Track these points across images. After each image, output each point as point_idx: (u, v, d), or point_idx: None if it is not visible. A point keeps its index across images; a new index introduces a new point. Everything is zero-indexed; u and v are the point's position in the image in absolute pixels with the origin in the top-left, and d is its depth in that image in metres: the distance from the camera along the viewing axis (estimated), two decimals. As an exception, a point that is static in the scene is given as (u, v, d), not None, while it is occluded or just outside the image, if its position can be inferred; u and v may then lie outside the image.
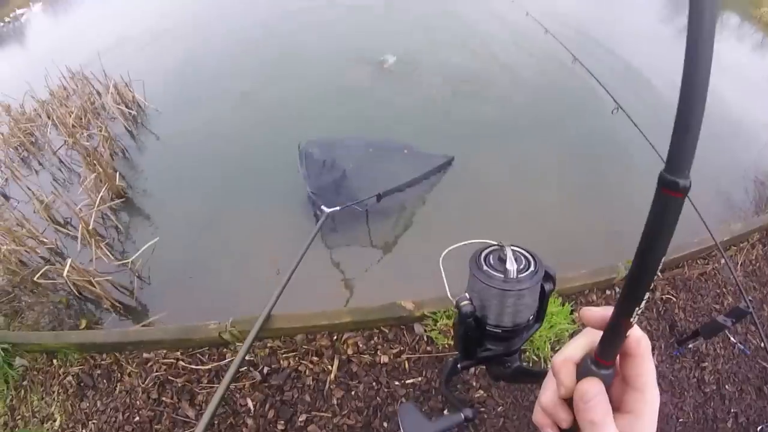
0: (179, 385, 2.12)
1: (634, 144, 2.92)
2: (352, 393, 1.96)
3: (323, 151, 3.50)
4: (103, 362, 2.35)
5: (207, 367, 2.11)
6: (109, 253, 3.12)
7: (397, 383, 1.97)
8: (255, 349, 2.10)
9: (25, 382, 2.47)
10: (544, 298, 0.60)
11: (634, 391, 0.41)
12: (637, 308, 0.35)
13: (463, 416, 0.64)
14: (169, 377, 2.15)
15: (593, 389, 0.39)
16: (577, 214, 3.04)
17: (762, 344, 2.18)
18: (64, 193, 4.07)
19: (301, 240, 2.96)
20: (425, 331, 2.06)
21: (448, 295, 0.69)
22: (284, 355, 2.06)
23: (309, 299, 2.65)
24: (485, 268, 0.58)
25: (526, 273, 0.57)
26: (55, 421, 2.30)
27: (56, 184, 4.45)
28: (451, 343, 2.02)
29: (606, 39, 4.87)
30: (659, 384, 1.99)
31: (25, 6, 11.11)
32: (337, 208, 2.72)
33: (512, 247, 0.59)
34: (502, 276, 0.57)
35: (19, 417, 2.39)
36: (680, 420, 2.09)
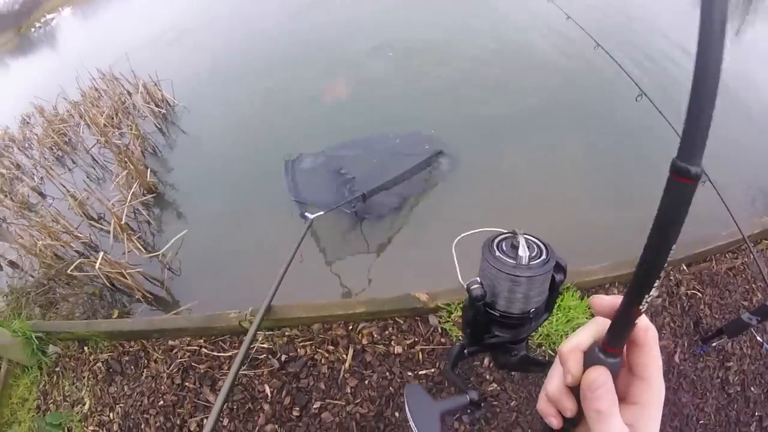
0: (201, 371, 2.24)
1: (659, 132, 2.87)
2: (366, 382, 2.04)
3: (314, 161, 3.67)
4: (131, 349, 2.50)
5: (228, 354, 2.24)
6: (140, 246, 3.30)
7: (410, 374, 2.02)
8: (274, 337, 2.21)
9: (57, 368, 2.65)
10: (554, 288, 0.63)
11: (640, 381, 0.41)
12: (647, 296, 0.36)
13: (468, 398, 0.64)
14: (193, 363, 2.28)
15: (601, 378, 0.39)
16: (599, 205, 3.02)
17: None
18: (97, 189, 4.29)
19: (326, 235, 3.12)
20: (439, 322, 2.11)
21: (459, 279, 0.69)
22: (301, 344, 2.16)
23: (326, 290, 2.76)
24: (497, 254, 0.61)
25: (538, 261, 0.60)
26: (84, 404, 2.46)
27: (89, 181, 4.69)
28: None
29: (630, 24, 4.76)
30: (680, 384, 1.99)
31: (55, 11, 11.60)
32: (321, 212, 2.76)
33: (525, 236, 0.61)
34: (514, 262, 0.59)
35: (51, 401, 2.57)
36: (701, 422, 2.05)
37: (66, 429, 2.42)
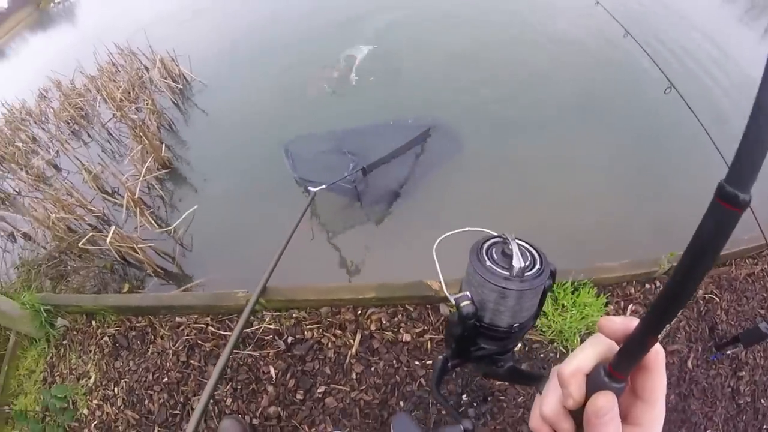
0: (207, 349, 2.27)
1: (687, 127, 2.81)
2: (372, 369, 2.05)
3: (312, 142, 3.71)
4: (138, 325, 2.54)
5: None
6: (153, 221, 3.34)
7: (417, 363, 2.03)
8: (281, 318, 2.23)
9: (65, 341, 2.70)
10: (544, 295, 0.59)
11: (644, 404, 0.41)
12: (667, 326, 0.34)
13: (462, 428, 0.62)
14: (199, 341, 2.31)
15: (608, 405, 0.38)
16: (620, 199, 2.96)
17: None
18: (112, 164, 4.36)
19: (335, 217, 3.14)
20: (450, 312, 2.09)
21: (444, 290, 0.65)
22: (309, 327, 2.17)
23: (335, 273, 2.78)
24: (488, 263, 0.56)
25: (532, 271, 0.55)
26: (90, 378, 2.51)
27: (104, 155, 4.75)
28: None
29: (664, 13, 4.64)
30: (691, 390, 1.98)
31: (74, -15, 11.72)
32: (323, 186, 2.85)
33: (518, 241, 0.57)
34: (507, 273, 0.54)
35: (58, 373, 2.62)
36: (708, 431, 2.04)
37: (71, 402, 2.47)
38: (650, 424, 0.41)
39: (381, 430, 1.93)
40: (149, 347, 2.44)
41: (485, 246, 0.58)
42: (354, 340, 2.10)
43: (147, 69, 5.81)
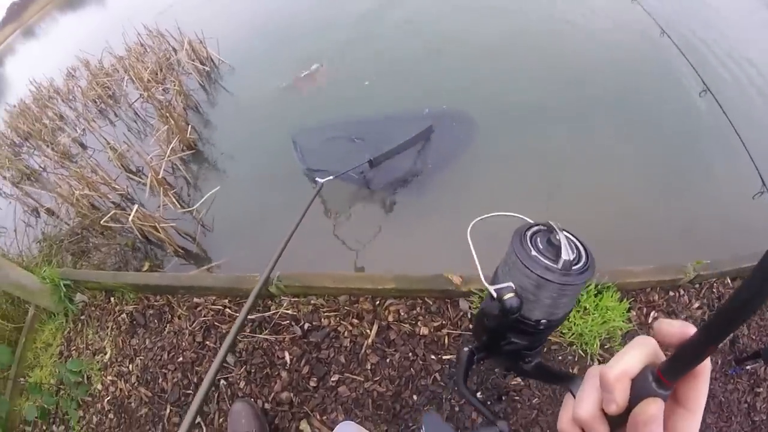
0: (224, 331, 2.31)
1: (721, 133, 2.76)
2: (387, 360, 2.05)
3: (321, 132, 3.75)
4: (156, 303, 2.59)
5: (251, 317, 2.28)
6: (176, 201, 3.40)
7: (433, 357, 2.02)
8: (299, 304, 2.25)
9: (83, 317, 2.76)
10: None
11: (686, 413, 0.40)
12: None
13: (498, 430, 0.58)
14: (215, 323, 2.35)
15: (659, 413, 0.37)
16: (646, 200, 2.89)
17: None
18: (137, 143, 4.46)
19: (355, 206, 3.19)
20: (470, 308, 2.08)
21: (482, 279, 0.58)
22: (326, 314, 2.19)
23: (354, 261, 2.80)
24: (533, 252, 0.53)
25: (578, 266, 0.52)
26: (105, 354, 2.56)
27: (130, 134, 4.86)
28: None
29: (702, 13, 4.50)
30: (708, 403, 1.94)
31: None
32: (331, 177, 2.89)
33: (565, 232, 0.54)
34: (554, 265, 0.51)
35: (74, 348, 2.69)
36: None
37: (85, 376, 2.53)
38: None
39: (393, 423, 1.93)
40: (166, 326, 2.49)
41: (529, 233, 0.55)
42: (371, 330, 2.11)
43: (175, 51, 5.92)
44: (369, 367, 2.05)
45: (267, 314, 2.26)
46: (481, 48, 4.35)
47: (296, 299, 2.28)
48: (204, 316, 2.41)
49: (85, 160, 4.38)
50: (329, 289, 2.20)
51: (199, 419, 2.15)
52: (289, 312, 2.24)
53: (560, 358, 2.02)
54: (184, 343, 2.38)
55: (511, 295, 0.52)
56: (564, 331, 2.04)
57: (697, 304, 2.06)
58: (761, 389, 2.11)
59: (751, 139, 2.57)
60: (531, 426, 1.91)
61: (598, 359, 1.98)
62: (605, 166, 3.09)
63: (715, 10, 4.49)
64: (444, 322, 2.07)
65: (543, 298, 0.52)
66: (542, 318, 0.55)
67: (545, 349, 2.04)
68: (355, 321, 2.15)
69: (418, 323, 2.08)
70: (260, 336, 2.23)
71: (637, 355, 0.40)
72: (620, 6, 3.95)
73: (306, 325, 2.19)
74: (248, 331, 2.26)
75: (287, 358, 2.15)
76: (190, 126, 4.26)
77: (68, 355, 2.69)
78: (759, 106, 3.36)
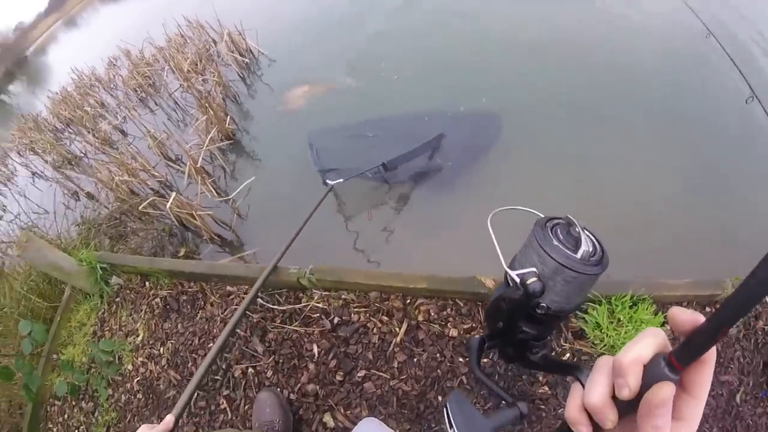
0: (254, 320, 2.38)
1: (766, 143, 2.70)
2: (414, 360, 2.07)
3: (339, 133, 3.81)
4: (189, 289, 2.68)
5: (282, 308, 2.35)
6: (213, 190, 3.52)
7: (461, 360, 2.03)
8: (330, 298, 2.30)
9: (117, 299, 2.88)
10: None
11: (691, 399, 0.42)
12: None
13: (519, 411, 0.62)
14: (246, 312, 2.40)
15: (671, 395, 0.40)
16: (687, 211, 2.81)
17: None
18: (176, 132, 4.60)
19: (388, 199, 3.24)
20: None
21: (503, 264, 0.62)
22: (356, 309, 2.23)
23: (391, 258, 2.85)
24: (555, 242, 0.56)
25: (594, 258, 0.56)
26: (138, 336, 2.68)
27: (170, 123, 5.02)
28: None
29: (754, 15, 4.38)
30: (735, 426, 1.91)
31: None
32: (341, 180, 2.97)
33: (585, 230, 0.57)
34: (574, 255, 0.55)
35: (107, 329, 2.82)
36: None
37: (117, 356, 2.65)
38: (695, 420, 0.42)
39: (416, 422, 1.95)
40: (198, 312, 2.58)
41: (550, 224, 0.59)
42: (400, 328, 2.14)
43: (215, 42, 6.07)
44: (396, 365, 2.08)
45: (298, 306, 2.33)
46: (521, 44, 4.31)
47: (327, 293, 2.33)
48: (236, 305, 2.49)
49: (125, 146, 4.55)
50: (361, 285, 2.24)
51: (225, 404, 2.23)
52: (320, 305, 2.29)
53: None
54: (215, 330, 2.46)
55: (534, 279, 0.56)
56: (596, 342, 2.04)
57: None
58: (791, 414, 2.06)
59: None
60: (555, 436, 1.91)
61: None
62: (643, 171, 3.01)
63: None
64: (474, 324, 2.08)
65: (559, 285, 0.56)
66: (555, 306, 0.58)
67: (575, 359, 2.04)
68: (385, 318, 2.18)
69: (448, 324, 2.10)
70: (290, 327, 2.29)
71: (649, 343, 0.43)
72: (666, 5, 3.85)
73: (336, 319, 2.24)
74: (278, 321, 2.33)
75: (315, 350, 2.20)
76: (228, 116, 4.39)
77: (101, 336, 2.83)
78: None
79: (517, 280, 0.58)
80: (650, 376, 0.41)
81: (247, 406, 2.19)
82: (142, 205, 3.44)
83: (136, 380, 2.54)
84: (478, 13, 4.93)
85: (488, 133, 3.46)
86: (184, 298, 2.68)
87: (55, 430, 2.64)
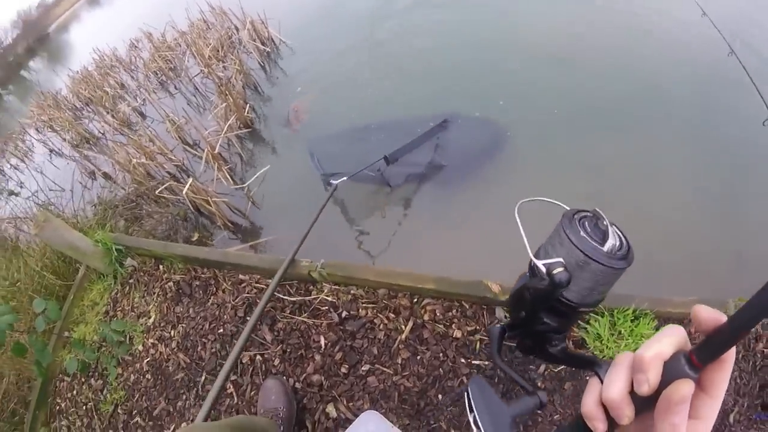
0: (265, 309, 2.45)
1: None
2: (418, 358, 2.14)
3: (338, 139, 3.84)
4: (202, 275, 2.77)
5: (293, 299, 2.43)
6: (229, 177, 3.60)
7: (463, 360, 2.09)
8: (339, 293, 2.38)
9: (131, 280, 2.97)
10: None
11: (708, 398, 0.43)
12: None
13: (540, 400, 0.62)
14: (257, 300, 2.51)
15: (689, 393, 0.40)
16: (697, 229, 2.82)
17: None
18: (195, 117, 4.68)
19: (394, 201, 3.30)
20: (506, 317, 2.13)
21: (530, 253, 0.63)
22: (364, 305, 2.31)
23: (401, 257, 2.91)
24: (582, 233, 0.56)
25: (620, 252, 0.56)
26: (149, 318, 2.77)
27: (189, 108, 5.10)
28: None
29: None
30: None
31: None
32: (345, 178, 2.99)
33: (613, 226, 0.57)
34: (601, 247, 0.55)
35: (120, 309, 2.91)
36: None
37: (128, 337, 2.75)
38: (711, 420, 0.43)
39: (415, 418, 2.01)
40: (210, 298, 2.66)
41: (577, 216, 0.59)
42: (406, 326, 2.21)
43: (237, 29, 6.14)
44: (399, 362, 2.15)
45: (308, 298, 2.41)
46: (541, 49, 4.25)
47: (337, 287, 2.40)
48: (247, 293, 2.58)
49: (143, 129, 4.63)
50: (370, 281, 2.31)
51: (231, 389, 2.32)
52: (329, 299, 2.37)
53: (587, 378, 2.05)
54: (225, 316, 2.55)
55: (560, 269, 0.56)
56: (596, 353, 2.09)
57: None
58: (784, 437, 2.09)
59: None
60: (548, 441, 1.97)
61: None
62: (655, 184, 3.02)
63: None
64: (478, 327, 2.14)
65: (584, 278, 0.56)
66: (578, 299, 0.58)
67: (574, 369, 2.09)
68: (392, 315, 2.25)
69: (453, 325, 2.17)
70: (299, 318, 2.37)
71: (670, 340, 0.43)
72: (690, 18, 3.84)
73: (344, 314, 2.31)
74: (288, 312, 2.41)
75: (322, 342, 2.28)
76: (248, 105, 4.46)
77: (113, 315, 2.92)
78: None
79: (543, 269, 0.58)
80: (670, 372, 0.42)
81: (253, 392, 2.27)
82: (158, 190, 3.53)
83: (145, 361, 2.63)
84: (506, 11, 4.92)
85: (497, 137, 3.48)
86: (197, 283, 2.77)
87: (63, 405, 2.74)
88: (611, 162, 3.16)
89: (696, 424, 0.42)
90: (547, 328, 0.63)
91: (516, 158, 3.34)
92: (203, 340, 2.55)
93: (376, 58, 4.82)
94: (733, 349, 0.41)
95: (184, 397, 2.42)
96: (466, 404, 0.62)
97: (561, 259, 0.56)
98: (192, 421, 2.28)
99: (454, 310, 2.20)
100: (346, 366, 2.20)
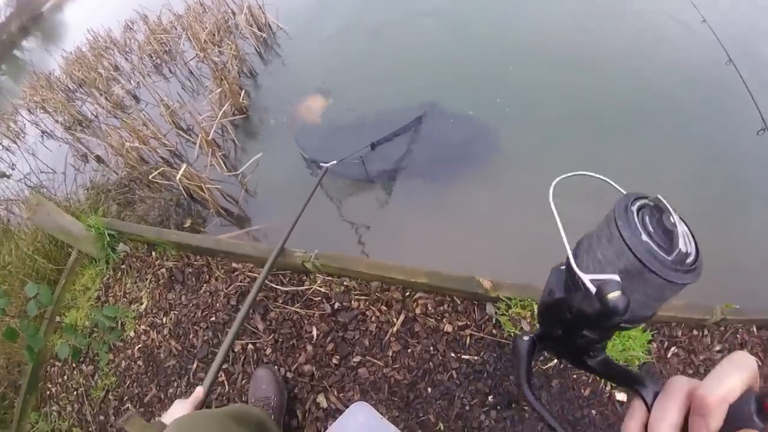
0: (257, 299, 2.47)
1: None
2: (408, 351, 2.16)
3: (323, 131, 3.87)
4: (195, 262, 2.78)
5: (286, 288, 2.44)
6: (222, 163, 3.60)
7: (453, 355, 2.12)
8: (332, 284, 2.40)
9: (123, 266, 2.97)
10: None
11: None
12: None
13: None
14: (250, 289, 2.51)
15: None
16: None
17: None
18: (190, 102, 4.65)
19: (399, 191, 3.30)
20: (496, 313, 2.17)
21: (574, 266, 0.48)
22: (356, 297, 2.33)
23: (395, 250, 2.92)
24: (644, 237, 0.43)
25: (689, 259, 0.45)
26: (141, 304, 2.77)
27: (184, 92, 5.07)
28: (517, 332, 2.12)
29: None
30: None
31: None
32: (335, 162, 3.02)
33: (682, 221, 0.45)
34: (669, 257, 0.43)
35: (111, 295, 2.91)
36: None
37: (119, 323, 2.75)
38: None
39: (404, 410, 2.04)
40: (203, 286, 2.68)
41: (635, 207, 0.46)
42: (397, 319, 2.23)
43: (234, 14, 6.08)
44: (390, 354, 2.17)
45: (301, 288, 2.42)
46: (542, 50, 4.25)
47: (330, 278, 2.42)
48: (240, 281, 2.59)
49: (137, 112, 4.60)
50: (363, 273, 2.33)
51: (223, 377, 2.33)
52: (322, 290, 2.39)
53: (575, 376, 2.08)
54: (218, 304, 2.56)
55: (617, 293, 0.42)
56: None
57: (718, 347, 2.07)
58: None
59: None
60: (535, 437, 1.99)
61: (611, 385, 2.03)
62: (649, 188, 3.03)
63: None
64: (468, 322, 2.17)
65: (635, 289, 0.44)
66: (628, 316, 0.43)
67: (561, 366, 2.10)
68: (384, 308, 2.28)
69: (444, 320, 2.19)
70: (291, 308, 2.39)
71: (741, 379, 0.38)
72: (690, 27, 3.85)
73: (336, 305, 2.33)
74: (281, 302, 2.43)
75: (314, 332, 2.30)
76: (243, 91, 4.44)
77: (105, 301, 2.92)
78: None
79: (593, 289, 0.44)
80: (735, 417, 0.37)
81: (244, 381, 2.29)
82: (152, 175, 3.52)
83: (137, 347, 2.64)
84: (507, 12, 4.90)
85: (489, 134, 3.51)
86: (190, 270, 2.78)
87: (54, 390, 2.75)
88: (603, 165, 3.15)
89: None
90: (587, 341, 0.52)
91: (510, 157, 3.36)
92: (195, 327, 2.56)
93: (374, 53, 4.79)
94: None
95: (176, 384, 2.43)
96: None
97: (617, 278, 0.43)
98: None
99: (446, 305, 2.23)
100: (338, 357, 2.22)
